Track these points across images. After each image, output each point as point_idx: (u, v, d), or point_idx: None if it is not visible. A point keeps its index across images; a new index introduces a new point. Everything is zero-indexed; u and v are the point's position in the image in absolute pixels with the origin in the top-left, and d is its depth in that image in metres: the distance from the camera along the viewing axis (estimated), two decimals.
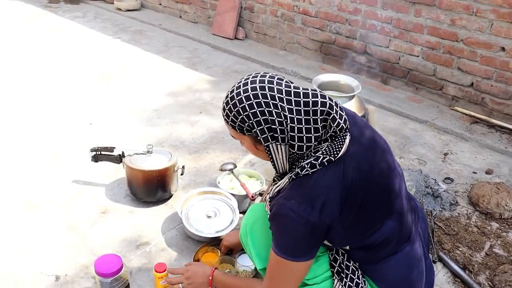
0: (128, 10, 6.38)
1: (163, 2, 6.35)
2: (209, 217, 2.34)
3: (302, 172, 1.42)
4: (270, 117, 1.37)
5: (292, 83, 1.45)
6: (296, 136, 1.39)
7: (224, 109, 1.45)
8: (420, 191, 2.76)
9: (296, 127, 1.38)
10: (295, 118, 1.38)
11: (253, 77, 1.43)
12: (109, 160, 2.62)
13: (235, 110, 1.41)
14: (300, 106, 1.39)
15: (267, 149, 1.43)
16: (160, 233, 2.42)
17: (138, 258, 2.25)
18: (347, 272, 1.59)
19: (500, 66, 3.64)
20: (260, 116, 1.38)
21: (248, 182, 2.69)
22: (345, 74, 4.47)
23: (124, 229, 2.43)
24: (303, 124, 1.38)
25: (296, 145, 1.40)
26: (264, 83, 1.40)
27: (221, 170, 2.74)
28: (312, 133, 1.40)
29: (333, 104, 1.42)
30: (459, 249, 2.48)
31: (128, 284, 1.94)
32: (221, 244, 2.18)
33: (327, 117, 1.40)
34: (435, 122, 3.79)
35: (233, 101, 1.41)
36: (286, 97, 1.39)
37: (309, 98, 1.40)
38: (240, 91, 1.41)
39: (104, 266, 1.85)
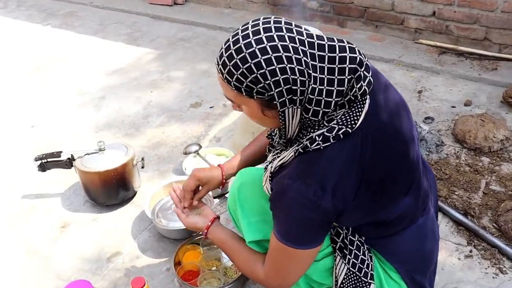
0: None
1: None
2: None
3: (312, 146, 1.15)
4: (292, 76, 1.07)
5: (310, 31, 1.15)
6: (314, 99, 1.11)
7: (224, 65, 1.12)
8: None
9: (317, 89, 1.10)
10: (318, 78, 1.09)
11: (264, 23, 1.11)
12: (58, 167, 2.30)
13: (245, 67, 1.08)
14: (324, 63, 1.10)
15: (282, 114, 1.13)
16: (131, 238, 2.14)
17: (112, 273, 1.98)
18: (351, 248, 1.35)
19: None
20: (280, 75, 1.07)
21: (218, 162, 2.42)
22: (298, 22, 4.23)
23: (90, 241, 2.14)
24: (325, 85, 1.10)
25: (311, 109, 1.13)
26: (283, 32, 1.09)
27: (185, 153, 2.47)
28: (334, 97, 1.12)
29: (363, 60, 1.15)
30: (455, 193, 2.31)
31: None
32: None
33: (352, 75, 1.13)
34: (402, 59, 3.58)
35: (240, 55, 1.09)
36: (309, 50, 1.09)
37: (335, 53, 1.12)
38: (250, 41, 1.08)
39: None
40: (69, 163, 2.26)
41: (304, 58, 1.08)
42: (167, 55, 3.99)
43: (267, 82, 1.08)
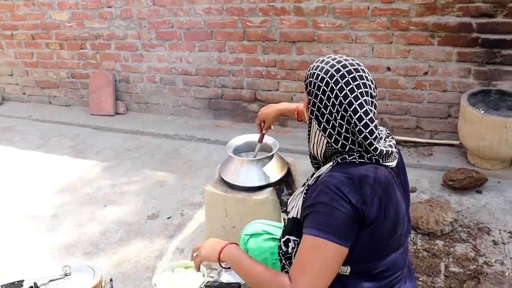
0: None
1: (27, 91, 5.82)
2: None
3: (350, 158, 1.40)
4: (325, 101, 1.39)
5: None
6: (329, 130, 1.41)
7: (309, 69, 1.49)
8: None
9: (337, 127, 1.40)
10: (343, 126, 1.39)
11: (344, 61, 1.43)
12: None
13: (309, 70, 1.46)
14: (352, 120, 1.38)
15: (309, 123, 1.47)
16: None
17: None
18: None
19: (390, 84, 3.75)
20: (319, 93, 1.39)
21: (187, 274, 2.39)
22: (241, 125, 4.40)
23: None
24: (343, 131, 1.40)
25: (341, 142, 1.40)
26: (352, 73, 1.40)
27: None
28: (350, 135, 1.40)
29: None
30: (420, 279, 2.40)
31: None
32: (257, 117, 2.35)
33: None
34: None
35: (316, 67, 1.44)
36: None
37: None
38: (324, 59, 1.45)
39: None
40: None
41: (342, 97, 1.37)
42: (116, 166, 3.98)
43: (309, 79, 1.43)
